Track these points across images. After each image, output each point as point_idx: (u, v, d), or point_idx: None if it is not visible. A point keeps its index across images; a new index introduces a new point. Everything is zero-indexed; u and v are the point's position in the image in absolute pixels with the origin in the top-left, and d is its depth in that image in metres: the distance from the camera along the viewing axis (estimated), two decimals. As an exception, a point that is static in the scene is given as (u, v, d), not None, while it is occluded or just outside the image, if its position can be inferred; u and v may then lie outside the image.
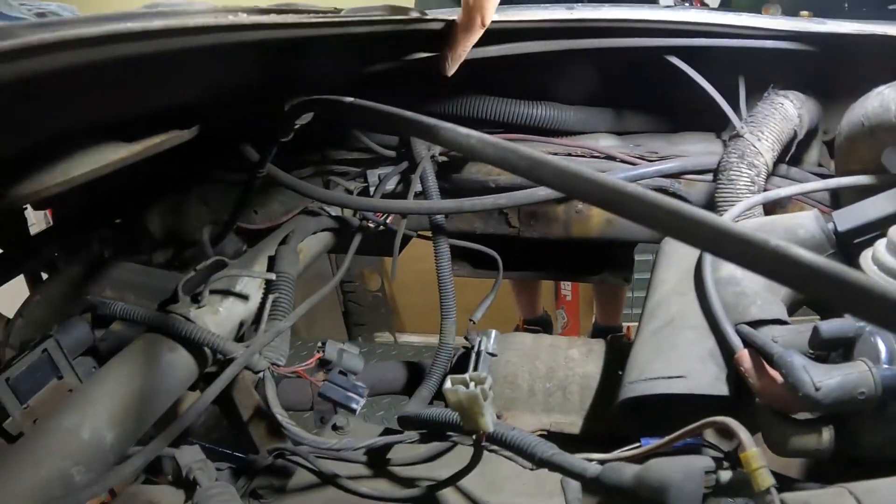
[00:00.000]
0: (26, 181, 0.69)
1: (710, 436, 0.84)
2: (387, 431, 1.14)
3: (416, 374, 1.39)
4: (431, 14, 1.06)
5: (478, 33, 1.06)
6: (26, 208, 1.66)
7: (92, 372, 0.95)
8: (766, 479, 0.61)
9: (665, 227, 0.44)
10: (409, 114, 0.63)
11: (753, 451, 0.62)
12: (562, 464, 0.75)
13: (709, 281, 0.92)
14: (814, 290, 0.39)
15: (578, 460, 0.74)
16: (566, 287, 3.45)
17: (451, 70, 1.12)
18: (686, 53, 1.20)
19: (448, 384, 0.67)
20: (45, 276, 1.73)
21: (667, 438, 0.73)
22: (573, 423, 1.14)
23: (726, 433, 0.86)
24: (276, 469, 1.11)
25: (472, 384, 0.67)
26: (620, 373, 0.98)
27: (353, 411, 0.93)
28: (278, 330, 0.94)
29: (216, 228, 1.49)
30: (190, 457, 0.91)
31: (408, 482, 1.04)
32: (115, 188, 1.51)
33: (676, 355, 0.90)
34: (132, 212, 1.57)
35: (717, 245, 0.43)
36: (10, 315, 1.41)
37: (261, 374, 0.92)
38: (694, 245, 0.46)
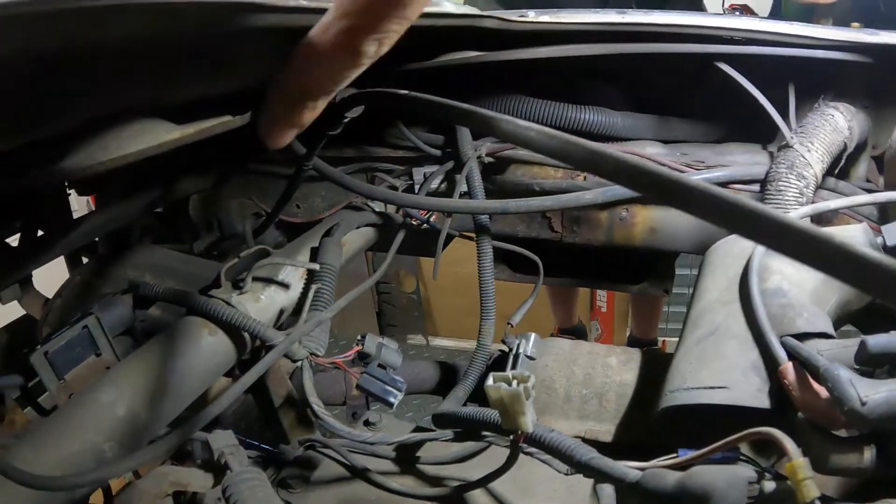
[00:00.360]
0: (79, 157, 0.70)
1: (746, 452, 0.82)
2: (418, 430, 1.14)
3: (449, 375, 1.39)
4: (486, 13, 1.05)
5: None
6: (70, 193, 1.69)
7: (130, 352, 0.95)
8: (811, 491, 0.59)
9: (727, 219, 0.43)
10: (466, 106, 0.63)
11: (800, 460, 0.61)
12: (601, 468, 0.74)
13: (755, 291, 0.90)
14: (882, 291, 0.38)
15: (618, 465, 0.73)
16: (601, 298, 3.42)
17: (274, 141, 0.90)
18: (735, 61, 1.18)
19: (490, 381, 0.67)
20: (84, 260, 1.77)
21: (707, 449, 0.71)
22: (608, 431, 1.12)
23: (764, 449, 0.85)
24: (305, 460, 1.11)
25: (514, 382, 0.66)
26: (658, 384, 0.97)
27: (390, 405, 0.92)
28: (319, 320, 0.94)
29: (258, 221, 1.50)
30: (223, 441, 0.91)
31: (438, 481, 1.04)
32: (158, 176, 1.53)
33: (719, 365, 0.88)
34: (174, 201, 1.59)
35: (779, 240, 0.41)
36: (50, 296, 1.43)
37: (298, 364, 0.91)
38: (757, 240, 0.45)
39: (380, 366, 0.92)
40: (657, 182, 0.45)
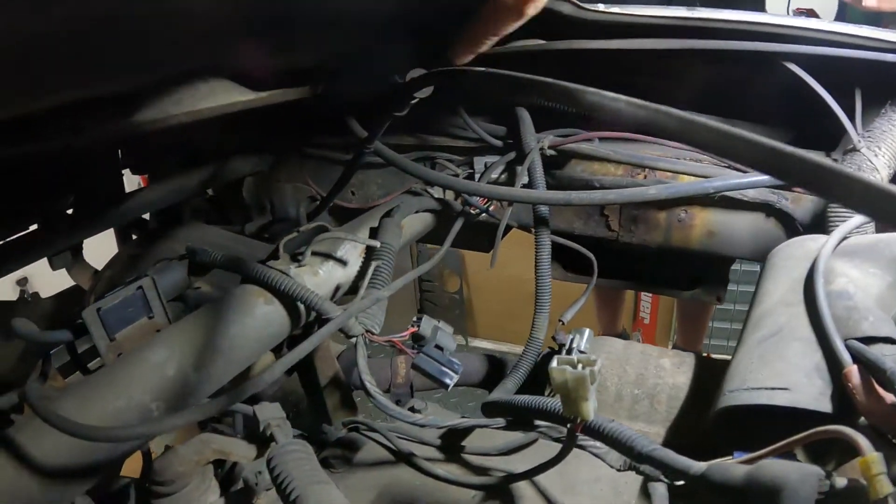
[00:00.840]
0: (154, 109, 0.70)
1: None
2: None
3: (496, 369, 1.37)
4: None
5: (516, 21, 0.97)
6: (125, 172, 1.71)
7: (182, 318, 0.95)
8: (884, 487, 0.57)
9: (825, 188, 0.41)
10: (547, 79, 0.61)
11: (874, 455, 0.58)
12: (663, 459, 0.71)
13: (820, 293, 0.87)
14: None
15: (681, 457, 0.71)
16: (645, 309, 3.38)
17: (463, 58, 1.05)
18: (802, 63, 1.15)
19: (555, 363, 0.64)
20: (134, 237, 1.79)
21: (773, 447, 0.69)
22: (658, 434, 1.10)
23: (819, 455, 0.81)
24: (348, 442, 1.11)
25: (580, 365, 0.64)
26: (712, 389, 0.94)
27: (445, 386, 0.90)
28: (377, 298, 0.92)
29: (312, 204, 1.50)
30: (270, 413, 0.91)
31: (483, 471, 1.02)
32: (211, 157, 1.54)
33: (782, 367, 0.85)
34: (227, 183, 1.60)
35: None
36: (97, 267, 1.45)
37: (352, 340, 0.90)
38: (854, 207, 0.43)
39: (436, 346, 0.91)
40: (752, 150, 0.43)
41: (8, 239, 1.24)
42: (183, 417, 0.70)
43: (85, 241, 1.50)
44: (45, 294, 1.53)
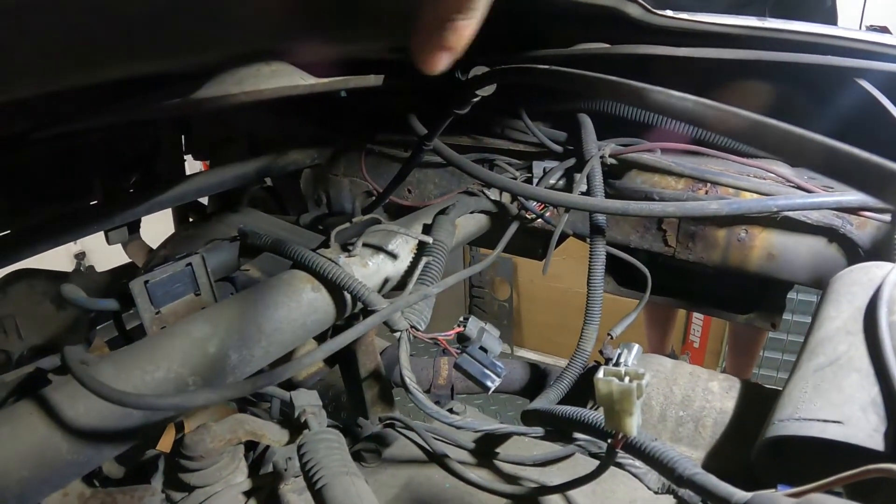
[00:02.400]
0: (215, 87, 0.70)
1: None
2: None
3: (540, 378, 1.35)
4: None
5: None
6: (187, 158, 1.75)
7: (230, 296, 0.95)
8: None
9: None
10: (613, 78, 0.59)
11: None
12: (705, 485, 0.68)
13: (882, 323, 0.83)
14: None
15: (724, 484, 0.68)
16: (695, 332, 3.32)
17: (430, 55, 0.63)
18: (874, 80, 1.10)
19: (601, 373, 0.62)
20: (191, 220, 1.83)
21: (820, 483, 0.65)
22: (699, 459, 1.06)
23: (867, 493, 0.77)
24: (383, 437, 1.09)
25: (626, 378, 0.62)
26: (761, 417, 0.90)
27: (487, 389, 0.88)
28: (425, 294, 0.91)
29: (367, 200, 1.50)
30: (306, 399, 0.90)
31: (515, 480, 1.00)
32: (271, 147, 1.56)
33: (836, 398, 0.81)
34: (285, 174, 1.61)
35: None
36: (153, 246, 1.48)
37: (397, 334, 0.89)
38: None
39: (481, 349, 0.89)
40: (827, 156, 0.41)
41: (69, 210, 1.27)
42: (217, 393, 0.69)
43: (143, 220, 1.54)
44: (100, 269, 1.56)
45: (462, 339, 0.92)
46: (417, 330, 0.89)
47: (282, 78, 0.72)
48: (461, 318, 0.92)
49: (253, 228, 1.02)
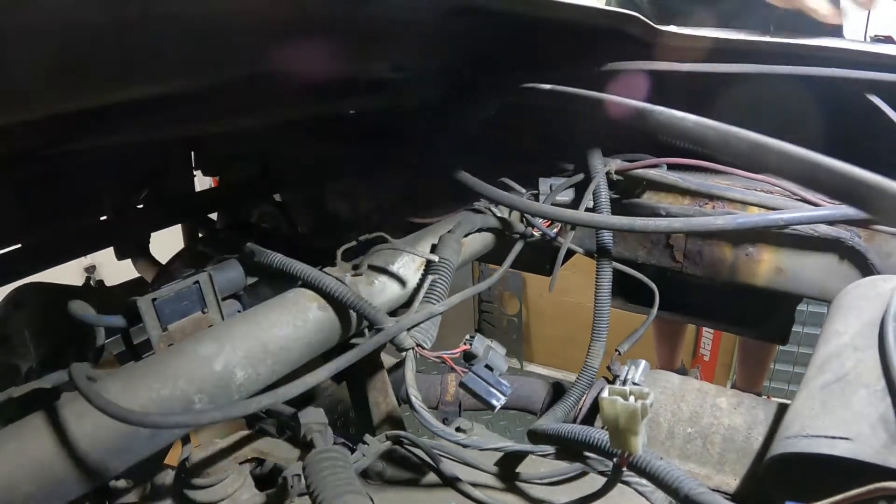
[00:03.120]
0: (223, 110, 0.70)
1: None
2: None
3: (550, 394, 1.35)
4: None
5: None
6: (196, 174, 1.76)
7: (237, 314, 0.95)
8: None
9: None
10: (616, 98, 0.59)
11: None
12: (711, 505, 0.68)
13: (890, 338, 0.82)
14: None
15: (729, 504, 0.67)
16: (705, 346, 3.30)
17: None
18: (882, 93, 1.09)
19: (605, 392, 0.62)
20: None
21: (829, 501, 0.64)
22: (708, 476, 1.05)
23: None
24: (389, 455, 1.09)
25: (631, 398, 0.62)
26: (770, 434, 0.90)
27: (492, 408, 0.87)
28: (431, 312, 0.91)
29: (378, 216, 1.50)
30: (312, 417, 0.90)
31: (522, 498, 0.99)
32: (281, 164, 1.56)
33: (845, 415, 0.80)
34: (296, 190, 1.62)
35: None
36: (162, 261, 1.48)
37: (402, 355, 0.89)
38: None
39: (486, 367, 0.89)
40: (831, 178, 0.40)
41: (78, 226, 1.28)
42: (222, 412, 0.69)
43: (153, 236, 1.55)
44: (110, 284, 1.57)
45: (468, 358, 0.91)
46: (423, 348, 0.89)
47: (289, 100, 0.72)
48: (467, 337, 0.92)
49: (259, 248, 1.02)
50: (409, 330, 0.89)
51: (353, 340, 0.99)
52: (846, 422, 0.79)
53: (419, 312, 0.90)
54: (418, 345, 0.89)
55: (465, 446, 0.87)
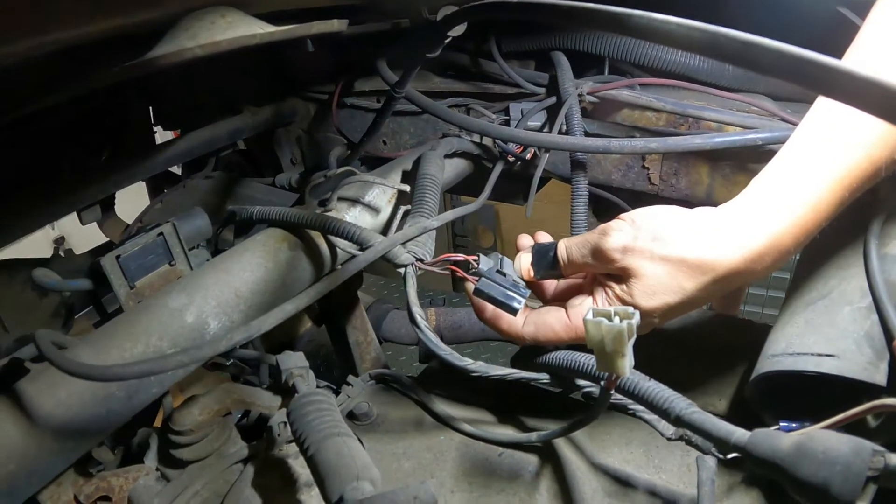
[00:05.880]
0: (168, 45, 0.66)
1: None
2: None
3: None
4: None
5: None
6: (157, 130, 1.70)
7: (206, 263, 0.92)
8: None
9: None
10: (591, 5, 0.55)
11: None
12: (703, 424, 0.66)
13: (873, 256, 0.82)
14: None
15: (723, 423, 0.66)
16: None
17: None
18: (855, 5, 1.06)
19: (590, 315, 0.59)
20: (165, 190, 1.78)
21: (828, 422, 0.63)
22: (692, 398, 1.04)
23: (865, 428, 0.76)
24: (374, 394, 1.08)
25: (616, 318, 0.60)
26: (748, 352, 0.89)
27: (513, 311, 0.80)
28: (424, 227, 0.85)
29: (343, 152, 1.47)
30: (292, 362, 0.87)
31: (514, 428, 0.98)
32: (241, 109, 1.52)
33: (830, 332, 0.80)
34: (258, 135, 1.57)
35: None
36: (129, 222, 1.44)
37: (401, 271, 0.82)
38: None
39: (498, 272, 0.82)
40: (827, 75, 0.38)
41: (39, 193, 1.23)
42: (188, 355, 0.66)
43: (119, 196, 1.50)
44: (80, 252, 1.53)
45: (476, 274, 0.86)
46: (423, 262, 0.83)
47: (238, 28, 0.68)
48: (476, 256, 0.86)
49: (239, 207, 0.98)
50: (405, 245, 0.83)
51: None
52: (831, 339, 0.78)
53: (412, 227, 0.85)
54: (418, 259, 0.83)
55: (472, 372, 0.83)
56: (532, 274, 0.86)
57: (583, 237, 0.80)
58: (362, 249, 0.83)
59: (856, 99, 0.38)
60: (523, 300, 0.80)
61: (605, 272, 0.80)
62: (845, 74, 0.37)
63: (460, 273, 0.82)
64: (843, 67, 0.38)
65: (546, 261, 0.85)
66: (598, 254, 0.77)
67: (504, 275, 0.81)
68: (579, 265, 0.81)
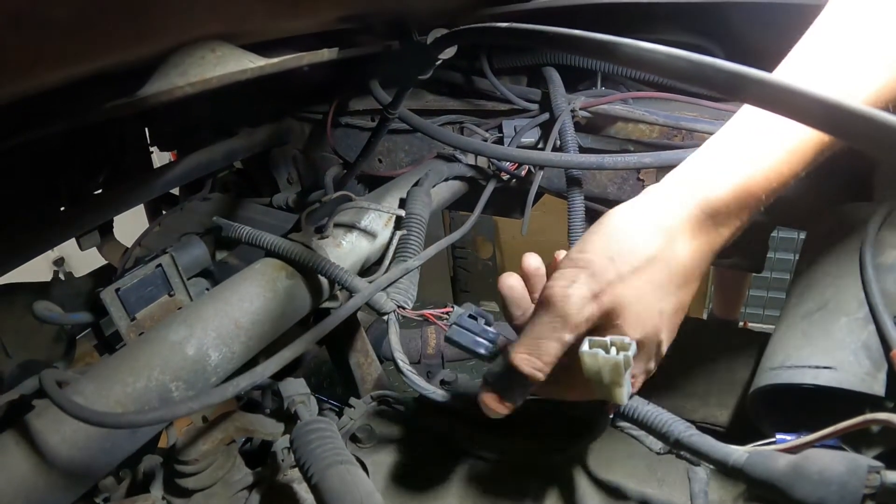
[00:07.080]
0: (158, 83, 0.66)
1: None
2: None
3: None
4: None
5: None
6: (153, 151, 1.70)
7: (205, 293, 0.93)
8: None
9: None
10: (579, 32, 0.56)
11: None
12: (700, 447, 0.66)
13: (869, 266, 0.82)
14: None
15: (721, 444, 0.66)
16: (681, 276, 3.31)
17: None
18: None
19: (586, 346, 0.59)
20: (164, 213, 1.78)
21: (821, 433, 0.63)
22: (693, 409, 1.05)
23: (864, 439, 0.76)
24: (376, 415, 1.08)
25: (613, 349, 0.59)
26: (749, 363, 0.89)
27: (481, 357, 0.79)
28: (406, 268, 0.88)
29: (340, 173, 1.47)
30: (294, 389, 0.88)
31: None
32: (238, 130, 1.52)
33: (827, 344, 0.80)
34: (254, 156, 1.58)
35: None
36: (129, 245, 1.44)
37: (385, 318, 0.85)
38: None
39: (470, 316, 0.85)
40: (815, 107, 0.38)
41: (36, 220, 1.23)
42: (199, 402, 0.67)
43: (118, 218, 1.50)
44: (80, 273, 1.52)
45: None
46: (404, 309, 0.86)
47: (228, 64, 0.69)
48: (452, 305, 0.87)
49: (227, 221, 0.99)
50: (385, 290, 0.86)
51: (328, 304, 0.97)
52: (829, 350, 0.79)
53: (394, 270, 0.87)
54: (399, 306, 0.85)
55: (450, 408, 0.83)
56: (507, 404, 0.70)
57: (535, 326, 0.65)
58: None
59: (859, 139, 0.38)
60: (491, 345, 0.79)
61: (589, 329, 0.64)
62: (844, 111, 0.38)
63: (433, 319, 0.83)
64: (832, 98, 0.38)
65: (510, 382, 0.70)
66: (568, 324, 0.62)
67: (475, 319, 0.82)
68: (555, 358, 0.64)
